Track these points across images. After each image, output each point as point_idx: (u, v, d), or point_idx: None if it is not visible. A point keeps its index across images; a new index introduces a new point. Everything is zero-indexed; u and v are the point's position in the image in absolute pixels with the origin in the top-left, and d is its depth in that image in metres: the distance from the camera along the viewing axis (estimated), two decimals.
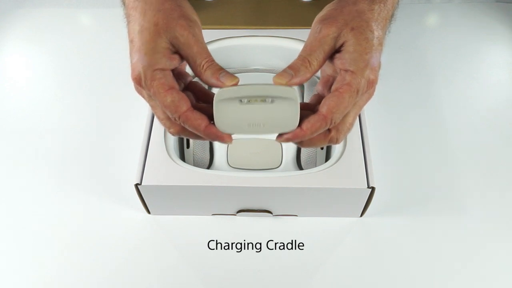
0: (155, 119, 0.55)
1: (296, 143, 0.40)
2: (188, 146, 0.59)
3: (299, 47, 0.62)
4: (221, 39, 0.63)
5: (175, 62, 0.38)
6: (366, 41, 0.37)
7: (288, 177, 0.51)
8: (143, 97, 0.40)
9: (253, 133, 0.38)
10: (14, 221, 0.57)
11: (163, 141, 0.54)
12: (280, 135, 0.39)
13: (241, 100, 0.37)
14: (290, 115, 0.38)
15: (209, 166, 0.59)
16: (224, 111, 0.37)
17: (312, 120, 0.37)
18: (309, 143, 0.40)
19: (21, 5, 0.84)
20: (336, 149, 0.53)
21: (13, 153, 0.64)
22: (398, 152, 0.62)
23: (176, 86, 0.37)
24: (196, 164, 0.58)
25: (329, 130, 0.39)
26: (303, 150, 0.59)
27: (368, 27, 0.38)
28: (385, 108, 0.67)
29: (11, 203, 0.59)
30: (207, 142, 0.59)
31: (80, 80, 0.73)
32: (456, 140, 0.64)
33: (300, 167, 0.58)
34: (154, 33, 0.36)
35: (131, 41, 0.38)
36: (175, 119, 0.37)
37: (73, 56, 0.76)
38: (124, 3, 0.41)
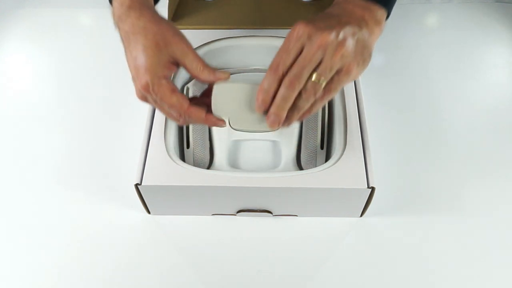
0: (155, 119, 0.56)
1: (299, 113, 0.44)
2: (188, 146, 0.59)
3: None
4: (221, 39, 0.63)
5: (173, 70, 0.46)
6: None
7: (288, 177, 0.51)
8: (149, 102, 0.46)
9: (244, 114, 0.46)
10: (14, 221, 0.57)
11: (163, 141, 0.54)
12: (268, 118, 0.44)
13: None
14: None
15: (209, 166, 0.59)
16: (220, 97, 0.46)
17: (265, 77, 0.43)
18: (304, 102, 0.43)
19: (21, 5, 0.84)
20: (336, 149, 0.54)
21: (13, 152, 0.64)
22: (398, 152, 0.62)
23: (177, 88, 0.45)
24: (196, 164, 0.58)
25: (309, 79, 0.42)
26: (303, 150, 0.59)
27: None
28: (385, 108, 0.67)
29: (10, 203, 0.59)
30: (207, 142, 0.59)
31: (80, 80, 0.73)
32: (456, 140, 0.64)
33: (300, 167, 0.58)
34: (156, 50, 0.44)
35: (134, 58, 0.44)
36: (180, 115, 0.45)
37: (73, 56, 0.76)
38: (119, 27, 0.47)
